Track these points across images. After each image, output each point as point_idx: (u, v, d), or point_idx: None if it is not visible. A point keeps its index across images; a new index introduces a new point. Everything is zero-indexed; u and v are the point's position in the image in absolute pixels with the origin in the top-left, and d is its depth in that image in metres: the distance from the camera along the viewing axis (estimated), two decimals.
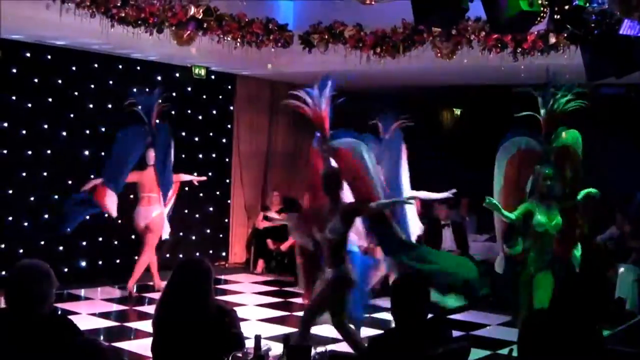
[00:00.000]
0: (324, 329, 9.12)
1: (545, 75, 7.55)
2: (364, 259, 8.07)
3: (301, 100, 7.49)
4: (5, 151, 10.79)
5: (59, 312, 8.64)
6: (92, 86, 11.67)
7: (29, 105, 10.96)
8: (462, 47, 10.82)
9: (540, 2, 6.13)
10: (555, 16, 6.51)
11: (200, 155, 13.27)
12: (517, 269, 7.41)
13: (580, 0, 6.42)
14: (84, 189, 10.26)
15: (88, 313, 9.65)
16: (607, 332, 7.25)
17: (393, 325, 4.63)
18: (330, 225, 6.82)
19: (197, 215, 13.35)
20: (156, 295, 9.78)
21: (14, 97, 10.80)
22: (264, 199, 14.02)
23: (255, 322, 8.60)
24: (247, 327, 6.54)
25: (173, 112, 12.10)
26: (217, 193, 13.69)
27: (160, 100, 10.74)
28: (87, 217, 10.44)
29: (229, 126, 13.79)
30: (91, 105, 11.65)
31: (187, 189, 11.69)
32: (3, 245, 10.73)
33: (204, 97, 13.32)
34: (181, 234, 12.81)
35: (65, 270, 11.06)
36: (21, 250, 10.64)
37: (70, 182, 11.29)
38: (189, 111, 13.11)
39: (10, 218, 10.84)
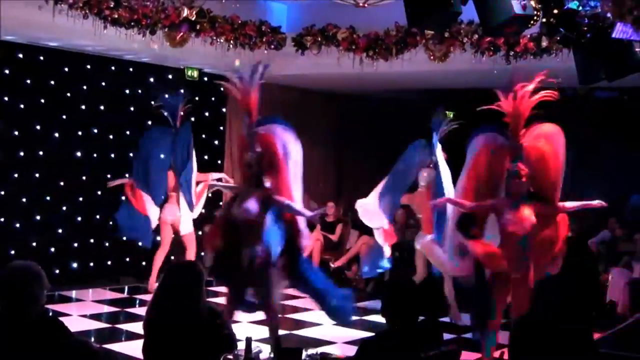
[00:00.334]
0: (316, 331, 9.12)
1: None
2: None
3: (232, 83, 7.66)
4: None
5: (50, 314, 8.60)
6: (85, 87, 11.64)
7: (22, 106, 10.93)
8: (455, 50, 10.84)
9: (533, 5, 6.14)
10: (548, 19, 6.54)
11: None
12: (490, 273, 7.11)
13: (572, 4, 6.44)
14: (110, 185, 10.74)
15: (79, 314, 9.63)
16: (599, 335, 7.28)
17: (385, 327, 4.64)
18: (244, 206, 7.05)
19: None
20: (147, 297, 9.77)
21: (6, 98, 10.77)
22: None
23: (247, 324, 8.58)
24: (239, 329, 6.53)
25: (165, 114, 12.08)
26: (210, 195, 13.65)
27: (183, 103, 11.01)
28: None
29: (222, 128, 13.76)
30: (84, 107, 11.62)
31: None
32: None
33: (197, 98, 13.29)
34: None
35: (57, 271, 11.03)
36: (13, 252, 10.61)
37: (62, 183, 11.28)
38: (181, 113, 13.07)
39: (2, 219, 10.80)
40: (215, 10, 11.29)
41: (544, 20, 6.96)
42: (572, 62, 7.20)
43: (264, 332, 7.59)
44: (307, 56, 12.05)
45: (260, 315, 7.49)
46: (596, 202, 7.11)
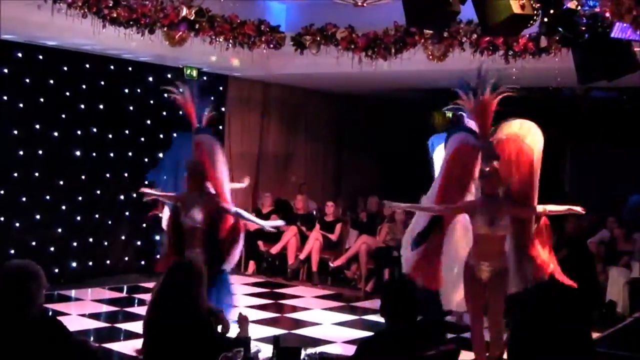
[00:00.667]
0: (315, 330, 9.13)
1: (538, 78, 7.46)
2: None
3: (179, 92, 8.23)
4: None
5: (49, 313, 8.62)
6: (84, 86, 11.63)
7: (21, 105, 10.92)
8: (454, 50, 10.84)
9: (532, 5, 6.14)
10: (547, 19, 6.53)
11: None
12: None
13: (571, 4, 6.44)
14: (147, 197, 9.44)
15: (78, 314, 9.63)
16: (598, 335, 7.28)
17: (384, 327, 4.65)
18: (190, 213, 7.43)
19: None
20: (146, 297, 9.76)
21: (5, 97, 10.76)
22: (255, 200, 14.00)
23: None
24: (238, 329, 6.52)
25: (164, 114, 12.09)
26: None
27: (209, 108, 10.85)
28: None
29: (221, 127, 13.76)
30: (83, 106, 11.62)
31: None
32: None
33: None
34: None
35: (56, 270, 11.02)
36: (12, 251, 10.60)
37: (61, 182, 11.27)
38: (180, 112, 13.05)
39: (2, 218, 10.79)
40: (214, 10, 11.28)
41: (543, 19, 6.95)
42: (571, 61, 7.18)
43: (263, 331, 7.60)
44: (306, 55, 12.04)
45: (260, 315, 7.53)
46: (579, 208, 6.85)
